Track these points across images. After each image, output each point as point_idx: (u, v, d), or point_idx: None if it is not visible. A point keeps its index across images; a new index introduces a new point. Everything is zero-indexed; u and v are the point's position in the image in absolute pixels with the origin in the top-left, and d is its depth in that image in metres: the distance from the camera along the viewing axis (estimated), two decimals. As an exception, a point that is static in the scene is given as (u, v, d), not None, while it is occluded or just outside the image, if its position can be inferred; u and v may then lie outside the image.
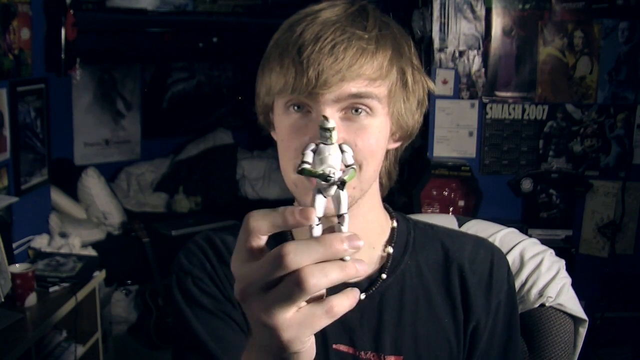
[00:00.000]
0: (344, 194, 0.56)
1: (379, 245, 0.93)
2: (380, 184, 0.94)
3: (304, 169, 0.58)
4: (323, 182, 0.55)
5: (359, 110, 0.80)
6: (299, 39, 0.78)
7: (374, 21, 0.82)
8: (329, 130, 0.57)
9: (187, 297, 0.90)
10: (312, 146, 0.59)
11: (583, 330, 1.09)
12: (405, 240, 0.94)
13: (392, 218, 0.97)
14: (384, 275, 0.90)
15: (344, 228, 0.56)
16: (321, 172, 0.56)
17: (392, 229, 0.95)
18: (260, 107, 0.89)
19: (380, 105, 0.81)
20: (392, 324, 0.88)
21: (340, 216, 0.56)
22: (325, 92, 0.77)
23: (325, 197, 0.56)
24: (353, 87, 0.78)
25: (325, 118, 0.57)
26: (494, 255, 0.95)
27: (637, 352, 2.82)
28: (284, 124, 0.84)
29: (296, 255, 0.49)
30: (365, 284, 0.90)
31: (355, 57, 0.77)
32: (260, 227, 0.52)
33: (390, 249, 0.92)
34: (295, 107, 0.82)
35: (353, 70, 0.77)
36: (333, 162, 0.57)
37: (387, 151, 0.91)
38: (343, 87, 0.77)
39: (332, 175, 0.55)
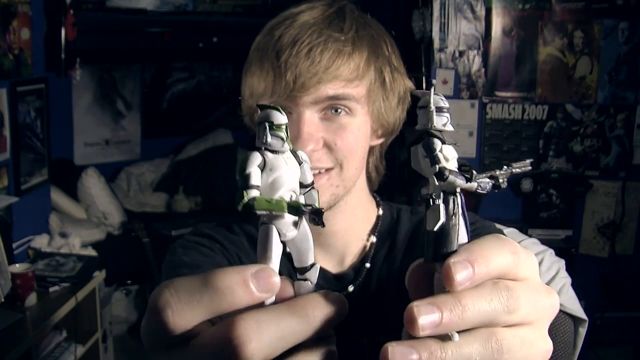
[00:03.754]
0: (304, 233, 0.36)
1: (365, 236, 0.95)
2: (369, 179, 0.96)
3: (254, 201, 0.34)
4: (291, 216, 0.35)
5: (339, 110, 0.82)
6: (278, 43, 0.80)
7: (351, 22, 0.83)
8: (281, 128, 0.36)
9: (192, 250, 0.89)
10: (259, 159, 0.36)
11: (583, 330, 1.09)
12: (388, 227, 0.96)
13: (378, 206, 0.98)
14: (367, 265, 0.92)
15: (313, 284, 0.37)
16: (290, 200, 0.35)
17: (377, 217, 0.97)
18: (245, 109, 0.92)
19: (359, 105, 0.83)
20: (380, 308, 0.90)
21: (303, 270, 0.37)
22: (303, 95, 0.79)
23: (282, 241, 0.36)
24: (330, 89, 0.80)
25: (275, 108, 0.37)
26: None
27: (637, 352, 2.82)
28: None
29: (260, 340, 0.32)
30: (352, 275, 0.92)
31: (331, 59, 0.79)
32: (182, 323, 0.33)
33: (373, 238, 0.94)
34: None
35: (329, 73, 0.79)
36: (293, 181, 0.36)
37: (372, 147, 0.92)
38: (320, 89, 0.79)
39: (303, 204, 0.35)
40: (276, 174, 0.36)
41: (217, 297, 0.32)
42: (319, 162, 0.83)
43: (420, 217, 0.97)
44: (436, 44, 2.61)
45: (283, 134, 0.36)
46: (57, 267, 2.60)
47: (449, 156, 0.39)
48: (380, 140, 0.93)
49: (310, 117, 0.81)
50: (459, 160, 0.41)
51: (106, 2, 3.94)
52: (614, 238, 2.71)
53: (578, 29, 2.61)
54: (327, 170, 0.84)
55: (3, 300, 2.15)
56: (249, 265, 0.33)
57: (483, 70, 2.63)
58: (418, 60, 2.72)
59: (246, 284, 0.32)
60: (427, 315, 0.33)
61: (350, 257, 0.93)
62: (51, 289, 2.42)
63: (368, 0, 0.92)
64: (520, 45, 2.62)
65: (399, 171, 3.21)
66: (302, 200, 0.37)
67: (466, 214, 0.39)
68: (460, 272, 0.34)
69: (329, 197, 0.85)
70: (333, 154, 0.83)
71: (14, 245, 2.61)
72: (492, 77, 2.63)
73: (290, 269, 0.93)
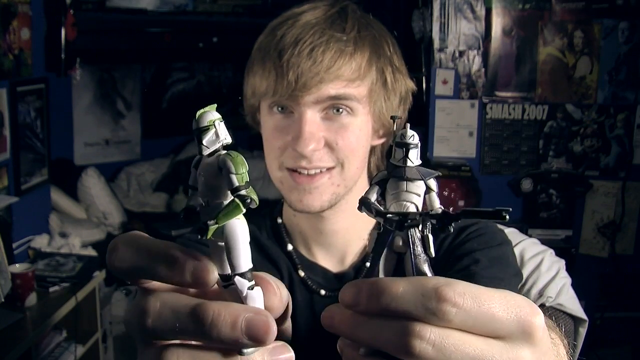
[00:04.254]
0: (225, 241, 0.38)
1: (366, 235, 0.95)
2: (371, 179, 0.96)
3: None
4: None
5: (340, 109, 0.83)
6: (280, 43, 0.81)
7: (353, 22, 0.84)
8: (198, 131, 0.39)
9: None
10: (195, 160, 0.40)
11: (583, 330, 1.09)
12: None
13: None
14: (368, 264, 0.92)
15: (253, 299, 0.37)
16: (184, 208, 0.40)
17: None
18: (248, 108, 0.93)
19: (360, 105, 0.84)
20: None
21: (224, 277, 0.38)
22: (305, 95, 0.80)
23: None
24: (332, 89, 0.80)
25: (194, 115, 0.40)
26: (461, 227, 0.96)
27: (637, 352, 2.82)
28: (268, 125, 0.87)
29: (157, 319, 0.36)
30: (352, 274, 0.93)
31: (333, 59, 0.79)
32: (121, 265, 0.38)
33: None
34: (279, 109, 0.85)
35: (331, 72, 0.79)
36: (204, 187, 0.39)
37: (374, 147, 0.93)
38: (322, 89, 0.80)
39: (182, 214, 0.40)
40: (200, 178, 0.39)
41: (151, 261, 0.36)
42: (320, 161, 0.83)
43: None
44: (436, 44, 2.60)
45: (198, 138, 0.38)
46: (57, 267, 2.60)
47: (402, 189, 0.41)
48: (382, 140, 0.93)
49: (312, 117, 0.82)
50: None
51: (106, 2, 3.94)
52: (614, 238, 2.71)
53: (578, 29, 2.61)
54: (329, 169, 0.84)
55: (3, 300, 2.14)
56: (198, 257, 0.36)
57: (483, 70, 2.63)
58: (418, 60, 2.72)
59: (180, 266, 0.36)
60: (327, 314, 0.38)
61: (351, 256, 0.93)
62: (51, 289, 2.42)
63: (369, 0, 0.92)
64: (520, 45, 2.62)
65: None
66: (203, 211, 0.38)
67: (415, 251, 0.39)
68: (347, 294, 0.37)
69: (330, 196, 0.85)
70: (334, 154, 0.83)
71: (14, 245, 2.61)
72: (492, 77, 2.63)
73: (290, 266, 0.94)
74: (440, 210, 0.40)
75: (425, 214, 0.40)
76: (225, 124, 0.40)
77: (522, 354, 0.36)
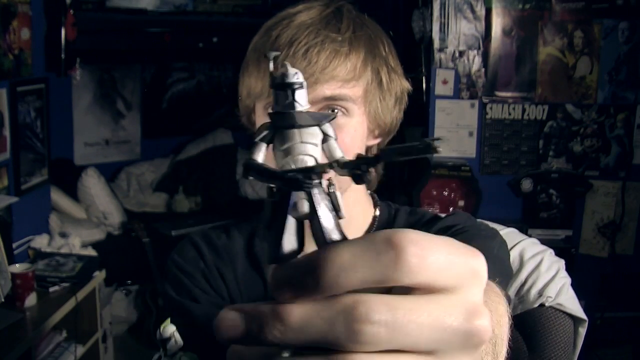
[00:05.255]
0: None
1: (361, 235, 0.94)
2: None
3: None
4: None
5: (335, 110, 0.82)
6: (275, 44, 0.80)
7: (348, 23, 0.83)
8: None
9: (179, 289, 0.90)
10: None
11: (583, 330, 1.09)
12: (384, 227, 0.95)
13: (375, 207, 0.98)
14: None
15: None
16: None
17: (374, 217, 0.96)
18: (243, 109, 0.92)
19: (356, 105, 0.83)
20: None
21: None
22: None
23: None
24: (327, 89, 0.80)
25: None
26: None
27: (637, 352, 2.82)
28: None
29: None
30: None
31: (328, 60, 0.79)
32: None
33: None
34: None
35: (326, 73, 0.79)
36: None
37: (369, 148, 0.92)
38: (317, 89, 0.79)
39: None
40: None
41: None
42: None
43: (417, 217, 0.97)
44: (436, 44, 2.61)
45: (163, 346, 0.45)
46: (57, 267, 2.60)
47: (296, 141, 0.32)
48: (377, 141, 0.93)
49: None
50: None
51: (106, 2, 3.95)
52: (614, 238, 2.72)
53: (578, 29, 2.61)
54: None
55: (3, 300, 2.15)
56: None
57: (483, 70, 2.63)
58: (418, 60, 2.72)
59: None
60: (228, 323, 0.29)
61: None
62: (51, 289, 2.42)
63: (368, 0, 0.92)
64: (520, 45, 2.62)
65: (399, 171, 3.21)
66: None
67: (322, 214, 0.31)
68: (278, 277, 0.29)
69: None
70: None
71: (14, 245, 2.61)
72: (492, 77, 2.63)
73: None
74: (352, 157, 0.31)
75: (337, 162, 0.31)
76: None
77: (473, 295, 0.30)
